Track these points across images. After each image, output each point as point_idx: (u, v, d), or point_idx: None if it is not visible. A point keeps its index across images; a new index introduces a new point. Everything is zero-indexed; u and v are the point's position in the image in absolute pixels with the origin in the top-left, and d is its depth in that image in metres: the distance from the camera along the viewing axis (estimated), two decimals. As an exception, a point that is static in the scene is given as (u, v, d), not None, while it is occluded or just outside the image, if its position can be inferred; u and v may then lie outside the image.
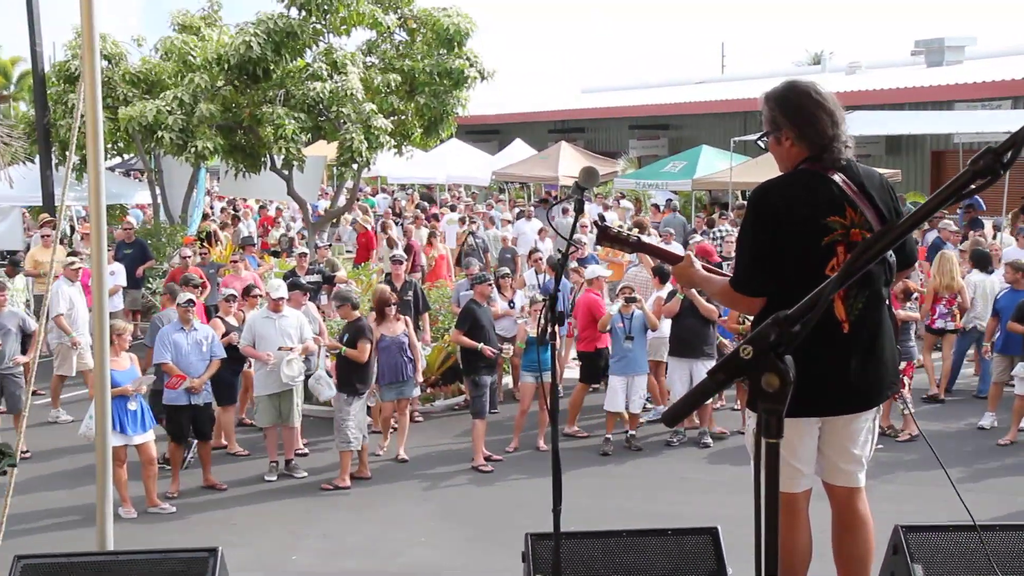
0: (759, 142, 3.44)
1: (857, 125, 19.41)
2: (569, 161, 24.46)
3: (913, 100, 23.93)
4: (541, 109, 37.98)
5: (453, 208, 23.12)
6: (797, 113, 3.29)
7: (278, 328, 9.50)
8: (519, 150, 28.67)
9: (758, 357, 1.55)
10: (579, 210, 3.54)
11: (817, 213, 3.22)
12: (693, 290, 9.88)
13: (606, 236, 3.48)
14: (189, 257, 13.72)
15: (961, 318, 11.72)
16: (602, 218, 3.36)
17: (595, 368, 10.52)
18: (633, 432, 10.24)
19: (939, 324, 11.68)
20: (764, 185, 3.33)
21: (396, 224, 21.65)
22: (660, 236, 16.50)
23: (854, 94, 23.83)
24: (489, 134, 38.94)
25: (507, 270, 12.59)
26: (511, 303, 11.79)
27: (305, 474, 9.53)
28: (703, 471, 9.55)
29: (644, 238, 3.52)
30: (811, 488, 3.54)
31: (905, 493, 8.42)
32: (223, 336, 9.77)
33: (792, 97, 3.32)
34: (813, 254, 3.21)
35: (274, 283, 10.03)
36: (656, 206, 22.53)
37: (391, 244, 17.43)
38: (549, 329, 3.54)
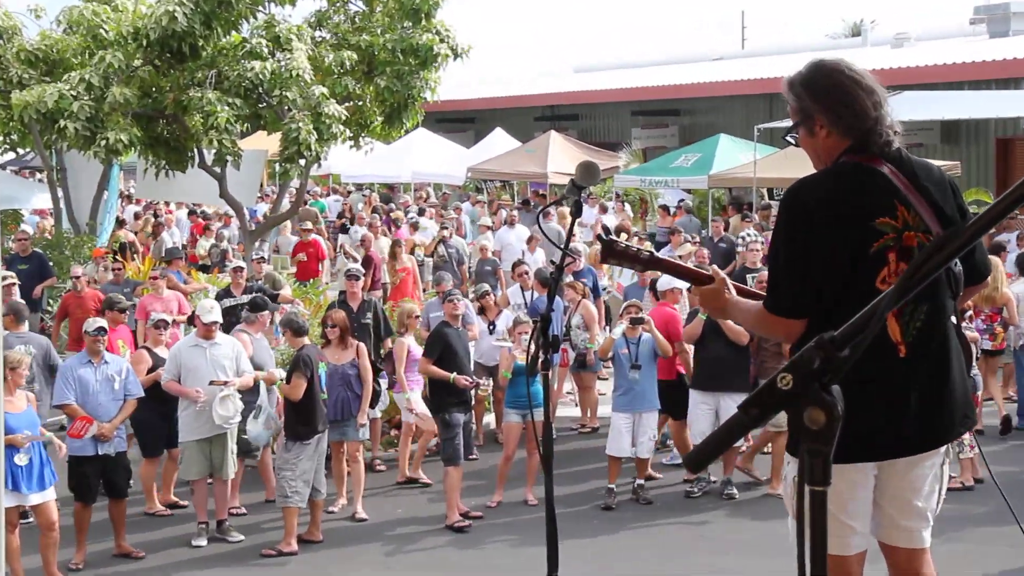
0: (788, 139, 3.42)
1: (906, 109, 19.55)
2: (560, 155, 24.56)
3: (973, 77, 24.15)
4: (526, 92, 38.16)
5: (422, 212, 23.15)
6: (829, 94, 3.29)
7: (209, 359, 9.45)
8: (500, 142, 28.79)
9: (800, 387, 1.53)
10: (577, 213, 3.53)
11: (863, 214, 3.22)
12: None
13: (612, 252, 3.45)
14: (79, 278, 13.31)
15: (1004, 335, 11.75)
16: (607, 230, 3.35)
17: (676, 399, 10.52)
18: (642, 481, 10.24)
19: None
20: (799, 183, 3.31)
21: (348, 232, 21.65)
22: (669, 240, 16.66)
23: (902, 71, 24.03)
24: (464, 123, 39.06)
25: (487, 287, 12.59)
26: (492, 325, 11.78)
27: (241, 538, 9.46)
28: (727, 527, 9.54)
29: (660, 254, 3.54)
30: (866, 550, 3.49)
31: (974, 554, 8.43)
32: (150, 371, 9.70)
33: (820, 77, 3.32)
34: (860, 264, 3.20)
35: (205, 304, 9.98)
36: (665, 208, 22.59)
37: (347, 256, 17.42)
38: (541, 357, 3.52)
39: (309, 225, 19.66)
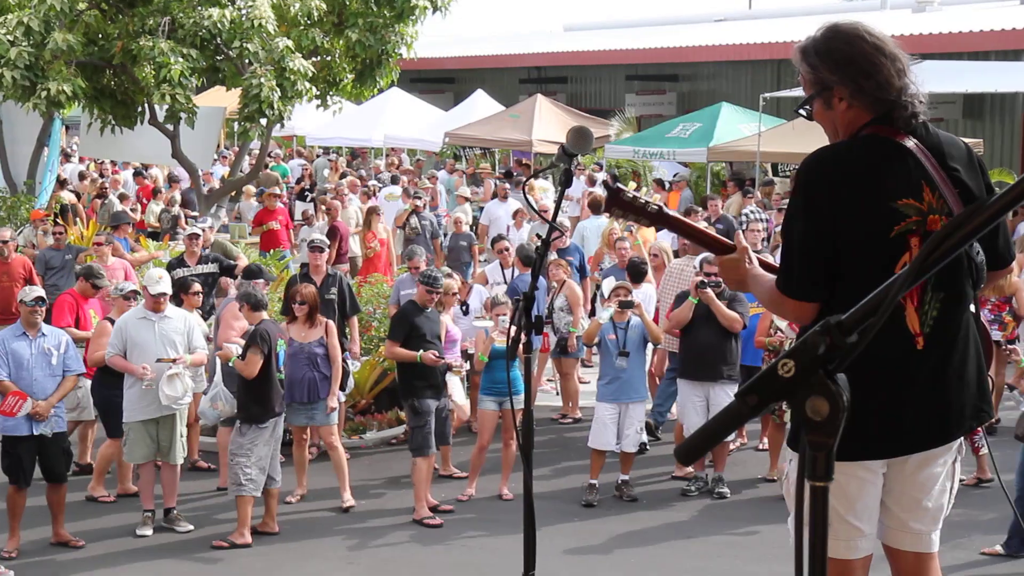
0: (801, 111, 3.40)
1: (927, 80, 19.32)
2: (547, 121, 24.52)
3: (1001, 47, 24.16)
4: (511, 52, 38.04)
5: (395, 180, 23.09)
6: (849, 62, 3.26)
7: (158, 333, 9.43)
8: (481, 105, 28.71)
9: (802, 375, 1.55)
10: (566, 183, 3.54)
11: (885, 193, 3.22)
12: (709, 291, 9.96)
13: (617, 202, 3.38)
14: (7, 243, 13.04)
15: (1016, 327, 11.86)
16: (614, 178, 3.32)
17: None
18: (626, 477, 10.29)
19: None
20: (815, 155, 3.31)
21: (308, 198, 21.53)
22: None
23: (923, 38, 24.06)
24: (442, 83, 38.95)
25: (447, 270, 12.61)
26: (464, 305, 11.80)
27: (190, 527, 9.46)
28: (717, 528, 9.60)
29: (669, 210, 3.47)
30: (871, 554, 3.50)
31: (981, 562, 8.53)
32: None
33: (839, 44, 3.29)
34: (879, 247, 3.20)
35: (153, 274, 9.95)
36: (660, 182, 22.62)
37: (308, 223, 17.37)
38: (523, 339, 3.52)
39: (277, 191, 19.60)
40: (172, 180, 22.08)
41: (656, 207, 3.42)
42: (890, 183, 3.23)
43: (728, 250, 3.48)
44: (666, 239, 14.00)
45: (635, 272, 11.79)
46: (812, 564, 1.60)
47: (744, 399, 1.61)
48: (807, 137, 20.10)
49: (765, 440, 11.08)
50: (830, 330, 1.56)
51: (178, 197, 21.03)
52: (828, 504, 1.63)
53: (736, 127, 21.87)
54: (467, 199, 20.60)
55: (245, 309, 9.64)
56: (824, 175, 3.25)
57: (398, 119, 27.65)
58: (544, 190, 21.18)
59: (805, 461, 1.63)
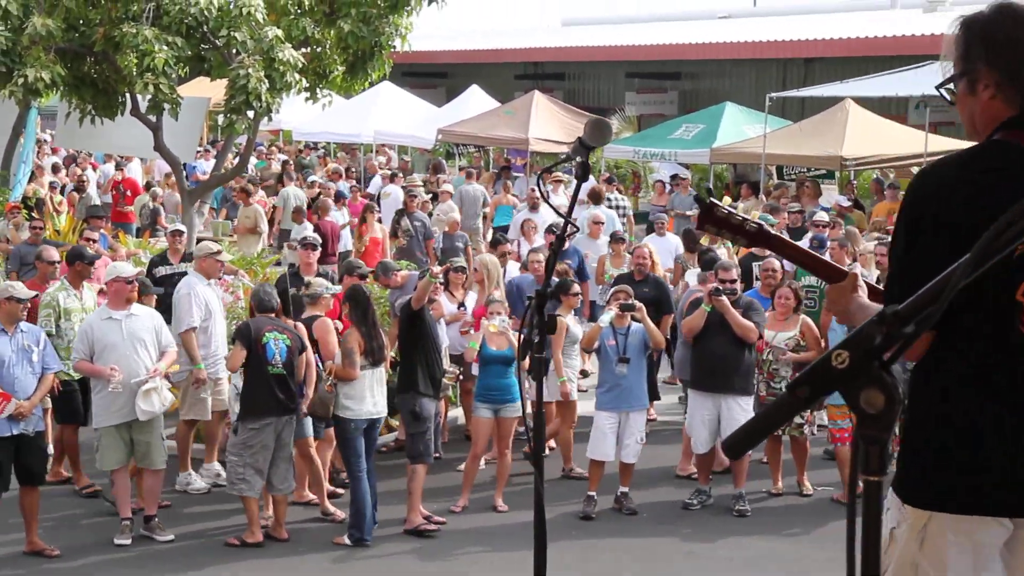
0: (943, 91, 3.13)
1: (935, 81, 19.47)
2: (544, 118, 24.54)
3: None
4: (507, 46, 38.10)
5: (393, 177, 23.02)
6: (1009, 48, 2.97)
7: (126, 333, 9.36)
8: (476, 101, 28.69)
9: (857, 366, 1.55)
10: (583, 177, 3.52)
11: (1003, 211, 2.82)
12: (724, 299, 9.96)
13: (711, 218, 3.15)
14: None
15: None
16: (709, 191, 3.15)
17: None
18: (625, 489, 10.28)
19: None
20: (934, 165, 3.07)
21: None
22: (655, 222, 16.67)
23: (934, 39, 24.13)
24: (436, 78, 38.97)
25: (462, 262, 12.59)
26: (462, 306, 11.80)
27: (171, 537, 9.43)
28: (720, 545, 9.61)
29: (771, 229, 3.21)
30: None
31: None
32: None
33: (1006, 25, 2.98)
34: (1000, 271, 2.76)
35: (117, 268, 9.89)
36: (662, 183, 22.66)
37: (297, 220, 17.35)
38: (536, 339, 3.49)
39: (251, 188, 19.58)
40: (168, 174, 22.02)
41: (755, 225, 3.19)
42: (1017, 197, 2.73)
43: (838, 276, 3.25)
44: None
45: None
46: (865, 563, 1.60)
47: (794, 390, 1.61)
48: (815, 139, 20.29)
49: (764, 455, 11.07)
50: (886, 319, 1.57)
51: (159, 191, 21.03)
52: (882, 502, 1.63)
53: (741, 128, 21.93)
54: (450, 194, 20.07)
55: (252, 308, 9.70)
56: (935, 188, 3.00)
57: (389, 114, 27.61)
58: (567, 183, 20.80)
59: (857, 454, 1.63)
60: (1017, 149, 2.93)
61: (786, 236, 3.54)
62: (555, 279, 12.24)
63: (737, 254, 13.50)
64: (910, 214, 3.00)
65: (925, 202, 2.98)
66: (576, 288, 11.54)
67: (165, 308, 10.56)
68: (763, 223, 3.23)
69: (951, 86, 3.09)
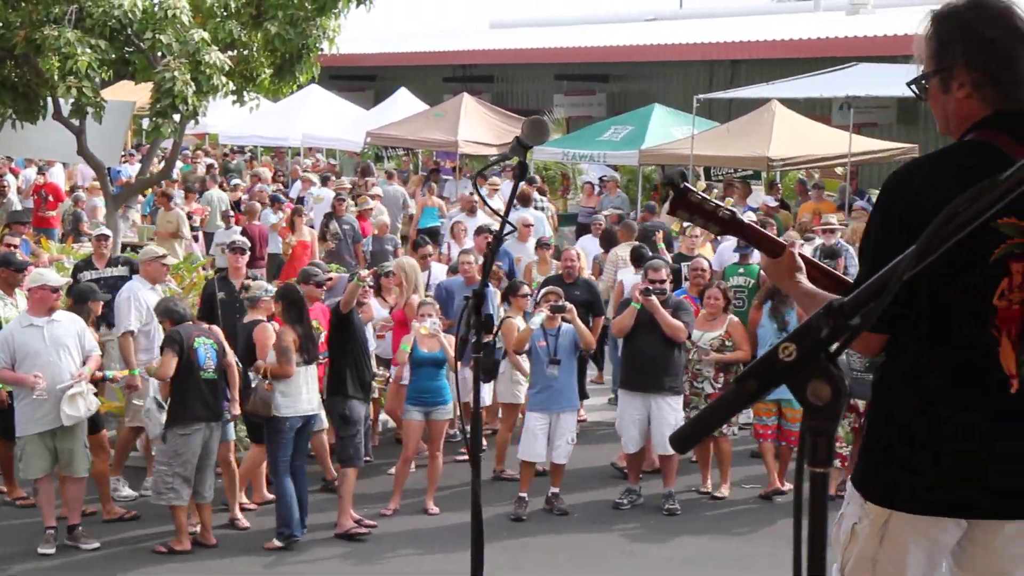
0: (913, 88, 3.09)
1: (859, 83, 19.95)
2: (473, 120, 24.55)
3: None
4: (435, 49, 38.05)
5: (326, 180, 22.87)
6: (986, 46, 2.92)
7: (49, 340, 9.22)
8: (404, 104, 28.67)
9: (804, 359, 1.56)
10: (522, 176, 3.52)
11: (985, 212, 2.87)
12: (654, 299, 10.01)
13: (685, 203, 3.07)
14: None
15: None
16: (683, 176, 3.04)
17: None
18: (556, 490, 10.30)
19: None
20: (907, 166, 3.04)
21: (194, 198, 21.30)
22: (591, 223, 16.71)
23: (856, 41, 24.52)
24: (364, 80, 38.81)
25: (392, 266, 12.54)
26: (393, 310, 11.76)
27: (96, 545, 9.31)
28: (656, 543, 9.65)
29: (742, 217, 3.18)
30: None
31: None
32: None
33: (980, 21, 2.94)
34: (974, 273, 2.88)
35: (43, 275, 9.75)
36: (591, 185, 22.75)
37: (226, 223, 17.21)
38: (472, 340, 3.48)
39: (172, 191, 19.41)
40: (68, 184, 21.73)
41: (729, 212, 3.13)
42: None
43: (779, 249, 3.22)
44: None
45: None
46: (812, 559, 1.60)
47: (743, 383, 1.61)
48: (742, 140, 20.47)
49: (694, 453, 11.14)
50: (833, 312, 1.57)
51: (82, 195, 20.73)
52: (828, 494, 1.63)
53: (669, 129, 22.07)
54: (379, 197, 20.00)
55: (167, 324, 9.55)
56: (909, 188, 2.96)
57: (317, 117, 27.50)
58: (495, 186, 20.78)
59: (803, 446, 1.63)
60: (991, 148, 2.88)
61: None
62: (504, 282, 12.31)
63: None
64: (883, 212, 2.98)
65: (899, 201, 2.94)
66: (525, 289, 11.55)
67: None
68: (735, 211, 3.18)
69: (924, 83, 3.06)
